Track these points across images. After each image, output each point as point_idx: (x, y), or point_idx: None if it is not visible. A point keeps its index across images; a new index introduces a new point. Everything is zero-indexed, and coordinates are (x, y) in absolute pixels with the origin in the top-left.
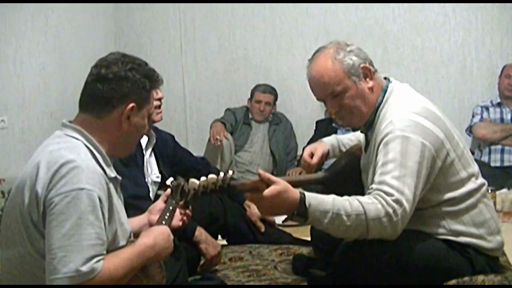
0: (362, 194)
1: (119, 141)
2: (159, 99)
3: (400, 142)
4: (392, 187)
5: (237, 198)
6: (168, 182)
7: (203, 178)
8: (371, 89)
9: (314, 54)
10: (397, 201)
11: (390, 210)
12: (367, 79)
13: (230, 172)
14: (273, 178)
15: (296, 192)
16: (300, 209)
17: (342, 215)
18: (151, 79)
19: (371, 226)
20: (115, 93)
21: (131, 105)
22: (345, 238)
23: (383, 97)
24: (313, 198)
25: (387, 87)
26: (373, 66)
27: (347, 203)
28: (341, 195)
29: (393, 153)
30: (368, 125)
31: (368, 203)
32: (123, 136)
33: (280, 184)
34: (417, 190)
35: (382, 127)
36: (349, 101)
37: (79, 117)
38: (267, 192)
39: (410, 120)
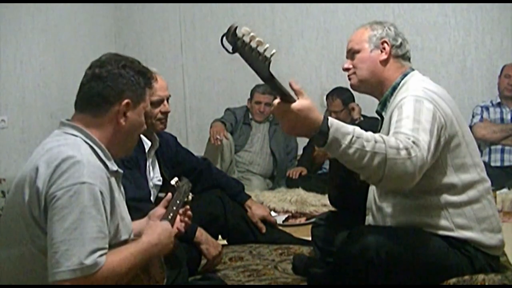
0: None
1: (116, 139)
2: (166, 112)
3: (414, 104)
4: (407, 134)
5: (238, 198)
6: (173, 182)
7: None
8: (382, 62)
9: None
10: (414, 142)
11: (409, 145)
12: (383, 53)
13: (274, 50)
14: (304, 94)
15: (320, 113)
16: (322, 127)
17: (362, 139)
18: (145, 76)
19: (390, 156)
20: (111, 91)
21: (126, 101)
22: (361, 172)
23: (402, 79)
24: (335, 121)
25: (409, 73)
26: (401, 49)
27: (368, 132)
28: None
29: (407, 112)
30: (383, 103)
31: (388, 137)
32: (121, 133)
33: (308, 101)
34: (430, 145)
35: (396, 103)
36: (357, 62)
37: (76, 117)
38: (295, 104)
39: (425, 92)
